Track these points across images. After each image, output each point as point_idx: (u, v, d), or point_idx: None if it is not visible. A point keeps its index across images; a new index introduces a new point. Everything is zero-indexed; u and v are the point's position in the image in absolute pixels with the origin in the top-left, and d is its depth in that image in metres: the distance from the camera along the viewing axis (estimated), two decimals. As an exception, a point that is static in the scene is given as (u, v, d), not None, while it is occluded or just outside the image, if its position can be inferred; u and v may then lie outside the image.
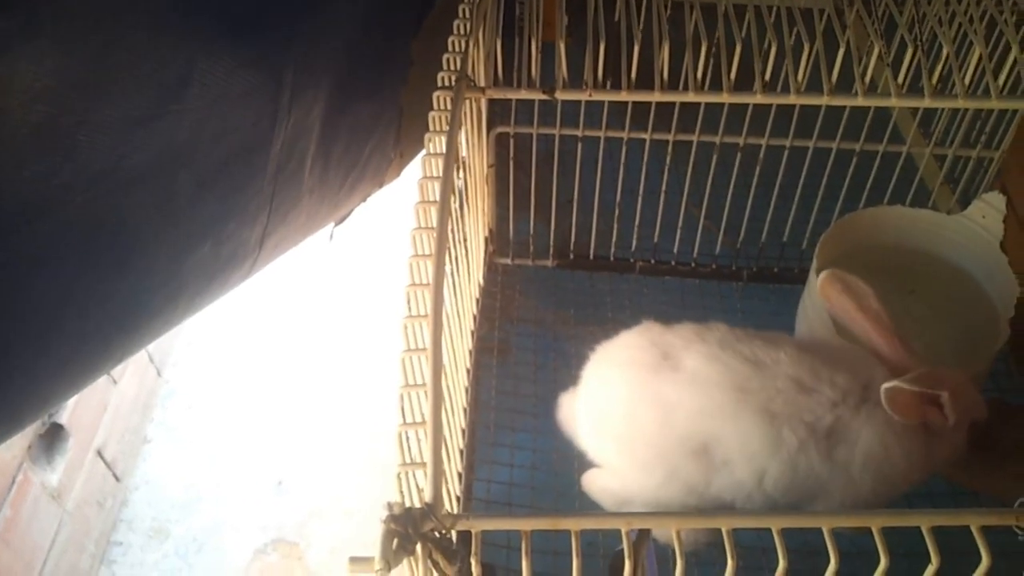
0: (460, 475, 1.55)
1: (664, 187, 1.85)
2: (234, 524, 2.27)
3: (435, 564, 0.84)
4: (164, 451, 2.42)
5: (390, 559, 0.78)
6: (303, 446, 2.43)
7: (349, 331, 2.71)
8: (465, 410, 1.64)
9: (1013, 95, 1.31)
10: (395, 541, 0.80)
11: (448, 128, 1.18)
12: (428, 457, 0.87)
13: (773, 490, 1.30)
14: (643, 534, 1.16)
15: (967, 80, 1.36)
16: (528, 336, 1.90)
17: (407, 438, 0.94)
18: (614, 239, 1.97)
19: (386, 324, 2.67)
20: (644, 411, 1.32)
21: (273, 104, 1.26)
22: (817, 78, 1.38)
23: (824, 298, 1.43)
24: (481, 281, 1.89)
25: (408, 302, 1.02)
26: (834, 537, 0.88)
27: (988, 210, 1.75)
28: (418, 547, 0.82)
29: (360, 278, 2.85)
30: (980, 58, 1.37)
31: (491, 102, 1.66)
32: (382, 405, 2.48)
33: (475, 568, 0.88)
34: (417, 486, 0.92)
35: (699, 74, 1.37)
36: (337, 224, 1.65)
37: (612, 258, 2.01)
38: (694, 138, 1.78)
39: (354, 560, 0.79)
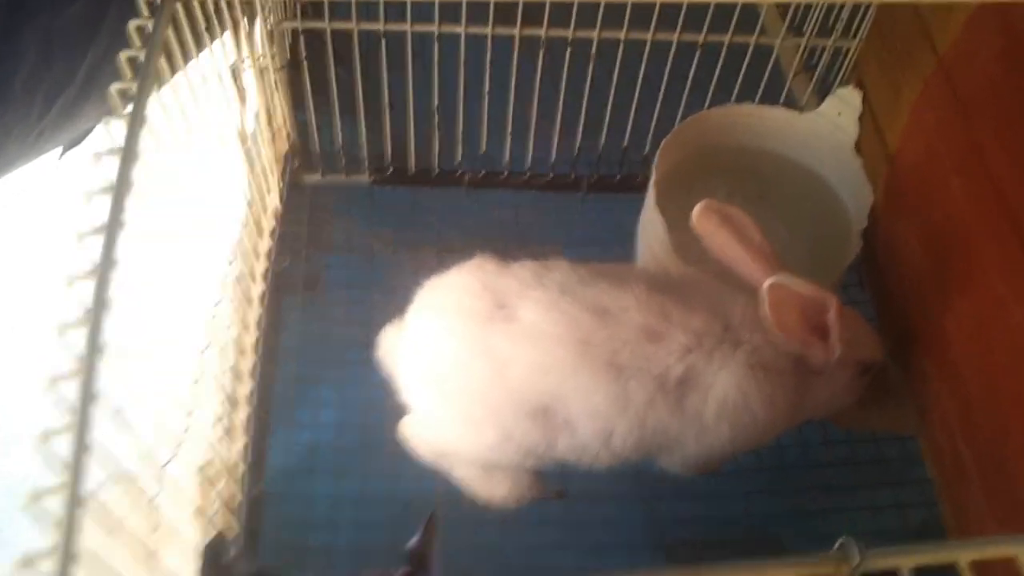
0: (245, 446, 1.33)
1: (488, 88, 1.59)
2: None
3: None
4: None
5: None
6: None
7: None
8: (254, 368, 1.41)
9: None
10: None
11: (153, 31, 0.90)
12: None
13: (622, 449, 1.15)
14: (430, 521, 1.01)
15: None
16: (341, 267, 1.66)
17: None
18: (436, 149, 1.72)
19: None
20: (475, 366, 1.14)
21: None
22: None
23: (700, 232, 1.24)
24: (279, 205, 1.63)
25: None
26: None
27: (843, 107, 1.56)
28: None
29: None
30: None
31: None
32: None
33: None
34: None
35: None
36: (67, 148, 1.35)
37: (437, 171, 1.76)
38: (515, 32, 1.52)
39: None
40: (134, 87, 0.88)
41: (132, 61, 0.91)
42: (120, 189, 0.77)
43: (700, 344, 1.13)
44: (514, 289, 1.15)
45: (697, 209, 1.24)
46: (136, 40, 0.94)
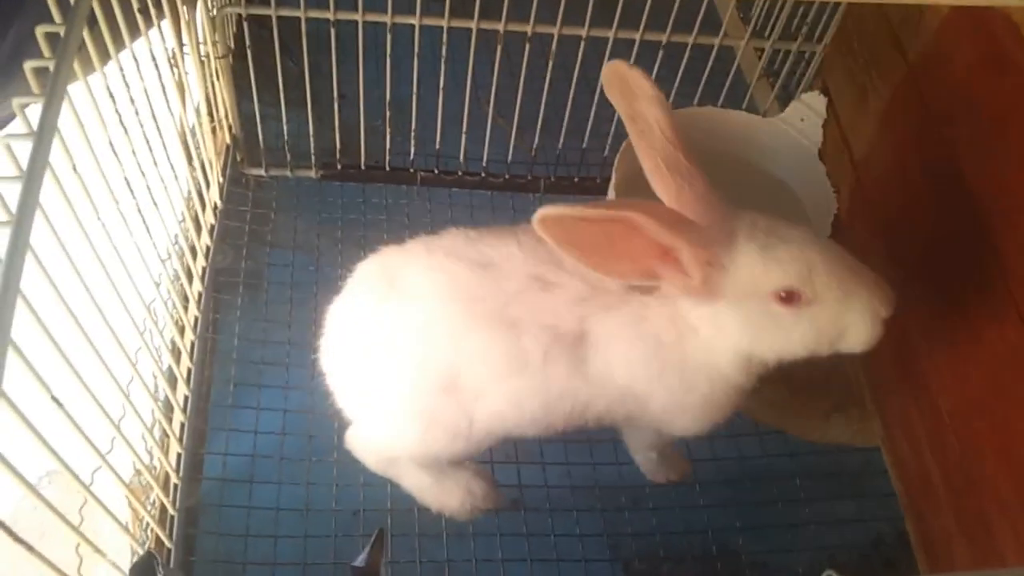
0: (179, 455, 1.25)
1: (443, 83, 1.53)
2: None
3: None
4: None
5: None
6: None
7: None
8: (189, 370, 1.33)
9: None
10: None
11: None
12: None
13: (543, 416, 1.08)
14: (379, 538, 0.94)
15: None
16: (285, 266, 1.58)
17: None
18: (388, 144, 1.65)
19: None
20: (377, 350, 1.08)
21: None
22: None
23: (611, 97, 1.10)
24: (219, 200, 1.54)
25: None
26: None
27: (807, 112, 1.53)
28: None
29: None
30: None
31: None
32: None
33: None
34: None
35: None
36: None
37: (388, 167, 1.69)
38: (472, 25, 1.46)
39: None
40: (52, 65, 0.79)
41: (52, 37, 0.83)
42: (32, 174, 0.69)
43: (594, 294, 1.03)
44: (403, 262, 1.09)
45: (604, 72, 1.09)
46: (56, 15, 0.86)
